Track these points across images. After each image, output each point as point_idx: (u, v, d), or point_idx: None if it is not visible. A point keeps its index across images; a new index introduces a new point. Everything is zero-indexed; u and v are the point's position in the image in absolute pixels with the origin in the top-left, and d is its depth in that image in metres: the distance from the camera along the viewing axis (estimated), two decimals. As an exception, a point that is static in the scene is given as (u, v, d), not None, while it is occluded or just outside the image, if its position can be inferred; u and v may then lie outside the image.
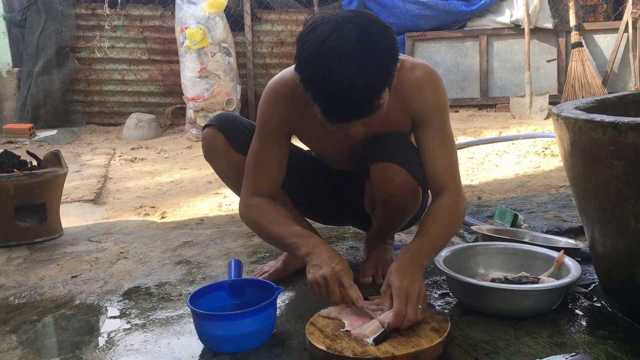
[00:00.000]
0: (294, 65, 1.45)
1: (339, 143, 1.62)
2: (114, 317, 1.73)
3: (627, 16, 6.37)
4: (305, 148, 1.88)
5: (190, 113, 6.37)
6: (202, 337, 1.47)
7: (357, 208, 1.86)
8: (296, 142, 1.78)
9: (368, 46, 1.30)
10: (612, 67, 6.50)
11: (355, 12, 1.38)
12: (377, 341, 1.32)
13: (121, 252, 2.40)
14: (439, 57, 6.92)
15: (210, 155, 1.80)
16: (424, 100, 1.57)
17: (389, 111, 1.49)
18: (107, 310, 1.79)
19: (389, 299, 1.42)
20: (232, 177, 1.80)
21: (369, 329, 1.36)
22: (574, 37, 6.49)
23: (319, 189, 1.87)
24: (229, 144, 1.74)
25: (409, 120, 1.61)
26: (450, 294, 1.66)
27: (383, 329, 1.35)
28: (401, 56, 1.45)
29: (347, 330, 1.39)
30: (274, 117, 1.63)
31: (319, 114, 1.40)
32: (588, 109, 1.59)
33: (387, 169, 1.59)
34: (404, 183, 1.60)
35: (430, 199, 1.68)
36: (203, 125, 1.80)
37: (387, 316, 1.38)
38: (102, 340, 1.58)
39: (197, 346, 1.48)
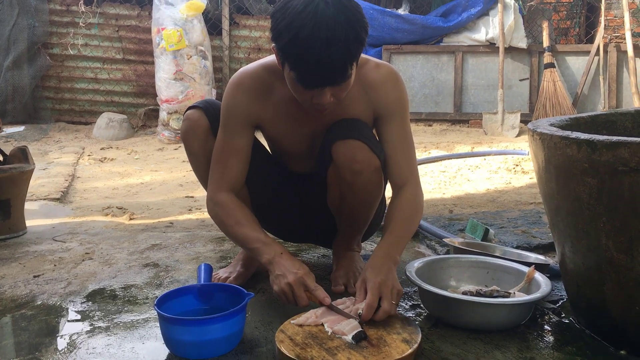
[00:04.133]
0: (255, 61, 1.69)
1: (302, 126, 1.68)
2: (77, 319, 1.68)
3: (599, 40, 6.53)
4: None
5: (163, 115, 6.30)
6: (168, 341, 1.43)
7: (317, 217, 1.86)
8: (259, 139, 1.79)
9: (344, 16, 1.39)
10: (582, 89, 6.65)
11: None
12: (357, 339, 1.36)
13: (86, 253, 2.34)
14: (414, 71, 6.99)
15: (188, 136, 1.78)
16: (387, 96, 1.67)
17: (354, 103, 1.62)
18: (69, 311, 1.74)
19: (363, 293, 1.49)
20: (202, 162, 1.79)
21: (348, 327, 1.39)
22: (547, 57, 6.63)
23: (280, 193, 1.85)
24: (211, 130, 1.74)
25: (371, 114, 1.69)
26: (422, 305, 1.66)
27: (360, 329, 1.38)
28: (365, 56, 1.58)
29: (331, 333, 1.41)
30: (238, 107, 1.67)
31: (293, 81, 1.46)
32: (563, 127, 1.60)
33: (349, 145, 1.62)
34: (368, 159, 1.63)
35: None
36: (188, 106, 1.82)
37: (360, 306, 1.45)
38: (63, 343, 1.53)
39: (163, 351, 1.44)
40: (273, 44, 1.46)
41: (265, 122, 1.70)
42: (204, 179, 1.82)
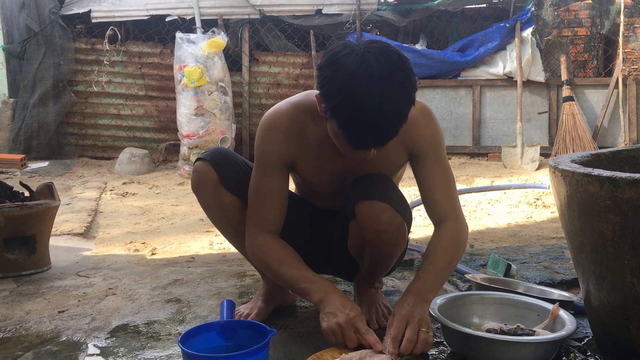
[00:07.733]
0: (287, 99, 1.65)
1: (334, 166, 1.67)
2: (101, 355, 1.69)
3: (618, 73, 6.53)
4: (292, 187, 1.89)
5: (184, 150, 6.39)
6: (191, 379, 1.43)
7: (340, 252, 1.85)
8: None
9: (395, 77, 1.36)
10: (602, 122, 6.62)
11: (375, 42, 1.42)
12: None
13: (110, 288, 2.36)
14: (432, 105, 7.02)
15: (198, 189, 1.78)
16: (420, 133, 1.65)
17: (388, 145, 1.56)
18: (94, 347, 1.75)
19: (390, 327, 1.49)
20: (217, 215, 1.78)
21: None
22: (565, 91, 6.63)
23: (303, 229, 1.85)
24: (220, 182, 1.72)
25: (405, 153, 1.68)
26: (445, 342, 1.65)
27: None
28: None
29: None
30: (272, 148, 1.65)
31: (339, 137, 1.43)
32: (584, 163, 1.60)
33: (373, 207, 1.60)
34: (391, 219, 1.62)
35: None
36: (196, 157, 1.79)
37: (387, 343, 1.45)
38: (87, 379, 1.54)
39: (186, 388, 1.44)
40: (318, 94, 1.45)
41: (298, 162, 1.68)
42: (224, 231, 1.83)
